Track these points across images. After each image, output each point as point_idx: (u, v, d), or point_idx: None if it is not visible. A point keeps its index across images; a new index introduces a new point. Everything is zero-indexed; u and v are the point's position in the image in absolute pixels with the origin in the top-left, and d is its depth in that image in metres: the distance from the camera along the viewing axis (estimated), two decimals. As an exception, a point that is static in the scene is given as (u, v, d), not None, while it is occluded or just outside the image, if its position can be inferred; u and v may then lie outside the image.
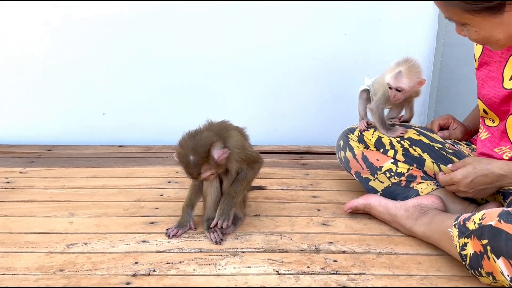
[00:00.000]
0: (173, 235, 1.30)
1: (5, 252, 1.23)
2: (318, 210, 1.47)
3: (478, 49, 1.33)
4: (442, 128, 1.52)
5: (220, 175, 1.32)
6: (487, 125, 1.34)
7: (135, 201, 1.53)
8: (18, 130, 2.09)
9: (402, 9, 2.03)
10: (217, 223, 1.26)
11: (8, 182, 1.66)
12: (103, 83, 2.06)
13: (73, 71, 2.04)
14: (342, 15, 2.02)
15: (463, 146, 1.47)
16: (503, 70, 1.23)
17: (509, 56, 1.22)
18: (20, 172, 1.75)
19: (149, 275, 1.13)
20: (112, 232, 1.33)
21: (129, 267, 1.16)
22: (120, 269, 1.16)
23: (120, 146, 2.05)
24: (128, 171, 1.77)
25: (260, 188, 1.61)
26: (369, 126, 1.52)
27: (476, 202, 1.35)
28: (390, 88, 1.40)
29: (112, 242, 1.28)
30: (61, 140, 2.09)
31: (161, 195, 1.56)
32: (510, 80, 1.21)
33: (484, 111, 1.33)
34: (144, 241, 1.28)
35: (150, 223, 1.38)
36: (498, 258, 0.98)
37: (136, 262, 1.18)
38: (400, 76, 1.38)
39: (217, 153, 1.20)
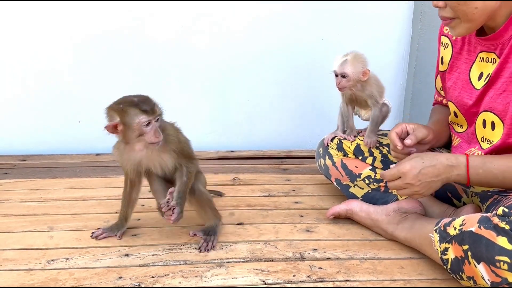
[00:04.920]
0: (95, 236, 1.32)
1: (-18, 271, 1.19)
2: (301, 216, 1.49)
3: (447, 52, 1.36)
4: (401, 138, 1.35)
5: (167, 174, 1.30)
6: (456, 132, 1.38)
7: (116, 212, 1.49)
8: (-11, 140, 2.04)
9: (377, 14, 2.07)
10: (167, 203, 1.20)
11: (-19, 196, 1.61)
12: (78, 90, 2.02)
13: (47, 79, 1.99)
14: (319, 20, 2.05)
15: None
16: (469, 72, 1.27)
17: (475, 57, 1.25)
18: (-6, 185, 1.70)
19: (134, 290, 1.12)
20: (94, 246, 1.31)
21: (113, 282, 1.14)
22: (104, 285, 1.13)
23: (97, 154, 2.01)
24: (107, 181, 1.74)
25: (219, 194, 1.61)
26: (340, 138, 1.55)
27: (454, 205, 1.38)
28: (336, 75, 1.45)
29: (94, 257, 1.25)
30: (35, 150, 2.04)
31: (142, 205, 1.54)
32: (479, 80, 1.24)
33: (455, 114, 1.35)
34: (127, 255, 1.26)
35: (133, 235, 1.36)
36: (478, 263, 1.01)
37: (120, 277, 1.16)
38: (345, 63, 1.44)
39: None
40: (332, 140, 1.56)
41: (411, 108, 2.16)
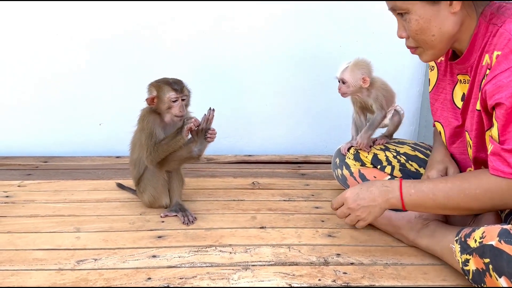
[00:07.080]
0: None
1: (14, 270, 1.21)
2: (322, 221, 1.51)
3: (433, 74, 1.38)
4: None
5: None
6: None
7: (140, 214, 1.53)
8: (11, 142, 2.06)
9: (395, 21, 2.08)
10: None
11: (7, 196, 1.63)
12: (99, 93, 2.05)
13: (68, 81, 2.02)
14: (337, 27, 2.07)
15: None
16: (452, 93, 1.30)
17: (457, 79, 1.28)
18: (19, 186, 1.72)
19: (163, 291, 1.14)
20: (121, 247, 1.33)
21: (142, 283, 1.17)
22: (134, 285, 1.16)
23: (118, 157, 2.03)
24: (129, 183, 1.76)
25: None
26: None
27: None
28: (339, 81, 1.50)
29: (122, 258, 1.28)
30: (56, 152, 2.07)
31: (166, 207, 1.57)
32: (462, 101, 1.27)
33: (442, 134, 1.38)
34: (154, 256, 1.29)
35: (158, 237, 1.39)
36: (500, 277, 1.02)
37: (149, 278, 1.19)
38: (345, 70, 1.49)
39: None
40: (348, 150, 1.58)
41: (427, 115, 2.17)
